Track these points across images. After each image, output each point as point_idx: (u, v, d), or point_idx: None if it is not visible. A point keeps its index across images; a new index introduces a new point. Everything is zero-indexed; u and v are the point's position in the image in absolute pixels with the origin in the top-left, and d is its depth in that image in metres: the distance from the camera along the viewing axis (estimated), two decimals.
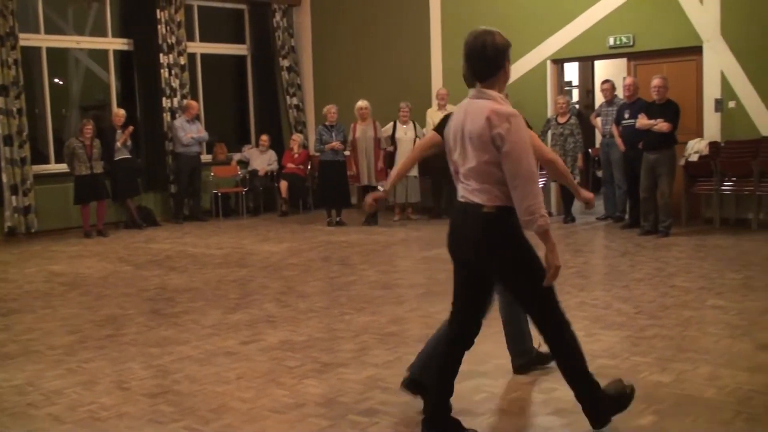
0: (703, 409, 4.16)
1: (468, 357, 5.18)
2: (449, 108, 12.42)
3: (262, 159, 14.09)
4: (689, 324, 5.85)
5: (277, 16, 14.88)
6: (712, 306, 6.36)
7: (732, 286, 7.01)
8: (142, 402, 4.62)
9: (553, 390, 4.52)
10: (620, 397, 3.96)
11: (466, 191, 3.77)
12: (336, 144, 12.07)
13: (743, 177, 10.18)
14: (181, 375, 5.10)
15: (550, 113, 12.00)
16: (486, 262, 3.78)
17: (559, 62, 12.37)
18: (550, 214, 12.23)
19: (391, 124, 12.51)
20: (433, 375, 3.98)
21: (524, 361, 4.84)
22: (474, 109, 3.71)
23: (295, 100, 15.16)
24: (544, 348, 4.16)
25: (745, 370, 4.74)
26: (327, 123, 12.26)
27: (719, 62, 10.55)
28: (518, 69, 12.37)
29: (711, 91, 10.67)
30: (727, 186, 10.29)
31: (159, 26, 13.28)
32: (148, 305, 7.24)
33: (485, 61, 3.72)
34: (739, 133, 10.35)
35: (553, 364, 4.85)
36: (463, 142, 3.75)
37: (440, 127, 4.48)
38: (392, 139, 12.43)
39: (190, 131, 13.13)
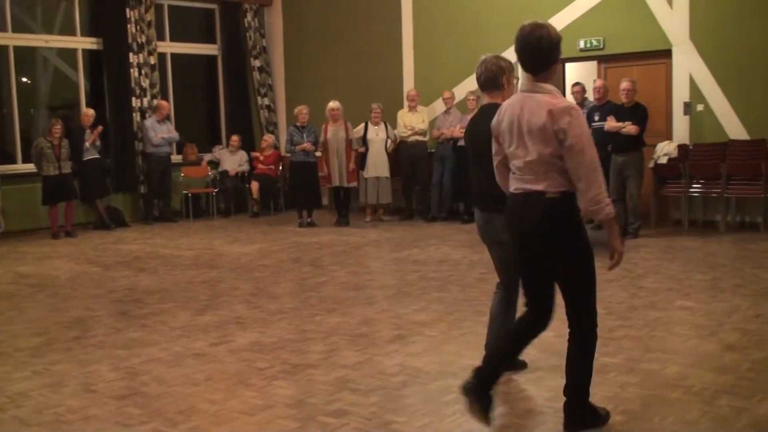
0: (671, 409, 4.19)
1: (436, 358, 5.22)
2: (419, 109, 12.44)
3: (232, 160, 14.03)
4: (657, 325, 5.89)
5: (249, 16, 14.82)
6: (680, 307, 6.41)
7: (699, 287, 7.07)
8: (110, 404, 4.58)
9: (522, 390, 4.54)
10: (601, 415, 4.00)
11: (524, 182, 3.82)
12: (307, 145, 12.04)
13: (711, 179, 10.28)
14: (149, 377, 5.06)
15: None
16: (547, 246, 3.81)
17: None
18: None
19: (363, 125, 12.50)
20: (502, 346, 4.03)
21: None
22: (532, 103, 3.77)
23: (266, 101, 15.11)
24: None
25: (712, 370, 4.79)
26: (298, 124, 12.23)
27: (688, 66, 10.65)
28: None
29: (680, 94, 10.77)
30: (695, 188, 10.39)
31: (129, 25, 13.17)
32: (117, 307, 7.17)
33: (541, 55, 3.78)
34: (707, 136, 10.45)
35: (519, 374, 4.88)
36: (520, 135, 3.80)
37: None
38: (364, 140, 12.42)
39: (160, 131, 13.04)
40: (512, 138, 3.85)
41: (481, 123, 4.50)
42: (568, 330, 3.97)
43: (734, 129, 10.40)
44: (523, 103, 3.81)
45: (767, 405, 4.17)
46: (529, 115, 3.75)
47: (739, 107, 10.38)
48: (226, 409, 4.43)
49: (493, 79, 4.59)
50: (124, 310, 6.99)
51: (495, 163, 4.08)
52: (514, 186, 3.90)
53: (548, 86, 3.80)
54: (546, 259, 3.85)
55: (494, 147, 4.07)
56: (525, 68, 3.86)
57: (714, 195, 10.36)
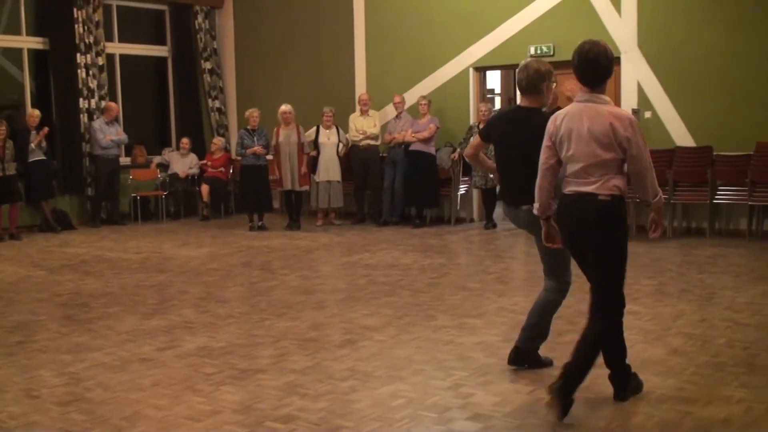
0: (617, 413, 4.23)
1: (386, 362, 5.21)
2: (371, 113, 12.44)
3: (182, 162, 13.89)
4: None
5: (199, 18, 14.69)
6: (627, 311, 6.35)
7: (646, 292, 7.16)
8: (53, 411, 4.48)
9: (470, 395, 4.54)
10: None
11: (578, 185, 4.23)
12: (258, 149, 11.96)
13: (659, 186, 10.41)
14: (94, 382, 4.97)
15: (472, 120, 12.12)
16: (594, 242, 4.23)
17: (481, 70, 12.50)
18: (471, 220, 12.41)
19: (314, 128, 12.47)
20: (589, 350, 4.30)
21: (528, 347, 5.05)
22: (592, 112, 4.18)
23: (217, 103, 14.98)
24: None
25: (658, 374, 4.84)
26: (249, 127, 12.15)
27: (636, 73, 10.80)
28: (441, 76, 12.48)
29: (628, 101, 10.91)
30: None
31: (76, 25, 12.96)
32: (61, 311, 7.04)
33: (599, 70, 4.21)
34: (654, 142, 10.56)
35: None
36: (580, 141, 4.19)
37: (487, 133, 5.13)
38: (315, 143, 12.39)
39: (109, 133, 12.86)
40: (570, 144, 4.22)
41: (503, 124, 5.04)
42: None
43: (681, 136, 10.58)
44: (582, 112, 4.21)
45: (711, 409, 4.23)
46: (591, 123, 4.15)
47: (685, 114, 10.56)
48: (172, 415, 4.37)
49: (534, 85, 4.94)
50: (69, 315, 6.87)
51: (546, 165, 4.36)
52: (567, 188, 4.28)
53: (605, 97, 4.23)
54: (592, 253, 4.26)
55: (547, 152, 4.36)
56: (583, 82, 4.26)
57: None
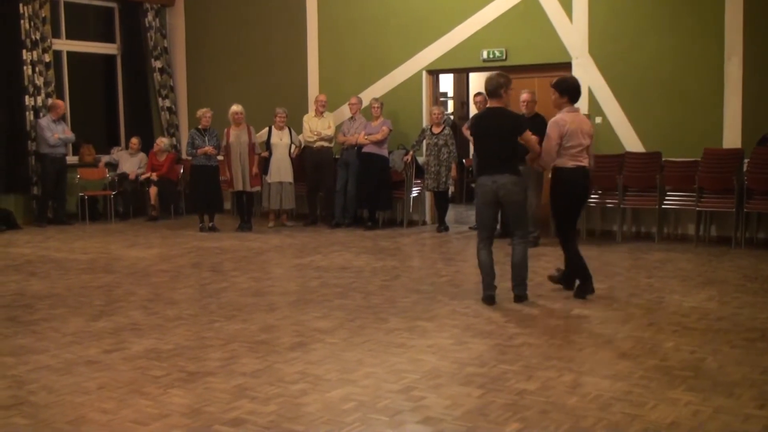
0: (567, 416, 4.24)
1: (337, 365, 5.18)
2: (326, 115, 12.37)
3: (132, 162, 13.71)
4: (555, 332, 5.98)
5: (150, 16, 14.51)
6: (577, 315, 6.53)
7: (596, 295, 7.20)
8: None
9: (421, 398, 4.53)
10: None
11: (578, 161, 6.93)
12: (209, 149, 11.83)
13: (608, 190, 10.55)
14: (38, 385, 4.86)
15: (425, 123, 12.14)
16: (586, 194, 7.33)
17: (434, 73, 12.53)
18: (424, 223, 12.42)
19: (266, 129, 12.38)
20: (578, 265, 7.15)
21: (524, 293, 7.00)
22: (581, 118, 7.12)
23: (167, 103, 14.81)
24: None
25: (607, 377, 4.88)
26: (200, 127, 12.02)
27: (587, 79, 10.90)
28: (394, 79, 12.49)
29: (579, 106, 10.95)
30: (593, 199, 10.61)
31: (22, 21, 12.68)
32: (4, 312, 6.87)
33: (578, 92, 7.05)
34: (605, 148, 10.70)
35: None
36: (578, 135, 6.88)
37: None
38: (267, 144, 12.30)
39: (56, 131, 12.63)
40: (576, 136, 6.86)
41: (485, 120, 6.95)
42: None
43: (631, 141, 10.71)
44: (576, 118, 6.97)
45: (659, 411, 4.27)
46: (583, 124, 7.00)
47: (635, 120, 10.70)
48: (118, 419, 4.28)
49: (495, 90, 6.80)
50: (13, 316, 6.71)
51: (556, 148, 6.89)
52: (570, 163, 6.90)
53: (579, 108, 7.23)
54: (583, 202, 7.32)
55: (556, 141, 6.86)
56: (572, 100, 7.00)
57: (611, 205, 10.63)
